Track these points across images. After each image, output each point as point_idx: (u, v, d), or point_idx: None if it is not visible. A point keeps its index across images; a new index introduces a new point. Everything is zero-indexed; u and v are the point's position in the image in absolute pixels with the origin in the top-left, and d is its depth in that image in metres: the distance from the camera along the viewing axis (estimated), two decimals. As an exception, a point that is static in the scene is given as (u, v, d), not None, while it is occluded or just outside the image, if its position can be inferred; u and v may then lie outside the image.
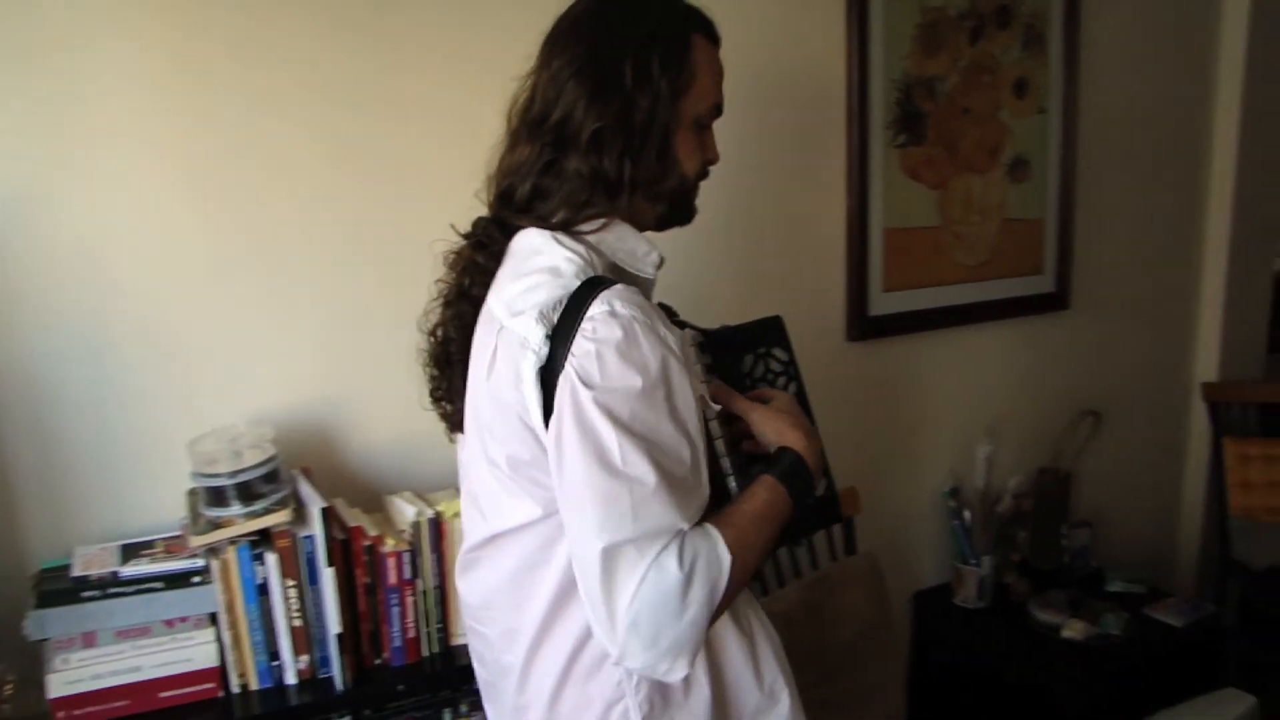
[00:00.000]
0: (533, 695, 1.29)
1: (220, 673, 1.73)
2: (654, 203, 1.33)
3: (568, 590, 1.22)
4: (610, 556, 1.08)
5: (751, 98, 2.36)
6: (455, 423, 1.39)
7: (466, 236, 1.36)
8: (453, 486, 2.04)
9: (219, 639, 1.72)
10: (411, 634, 1.87)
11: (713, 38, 1.36)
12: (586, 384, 1.10)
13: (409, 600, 1.85)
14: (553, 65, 1.28)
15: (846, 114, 2.55)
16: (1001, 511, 2.80)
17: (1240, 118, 3.36)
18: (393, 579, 1.83)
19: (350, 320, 2.01)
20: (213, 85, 1.84)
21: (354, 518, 1.87)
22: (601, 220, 1.27)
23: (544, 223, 1.27)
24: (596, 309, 1.14)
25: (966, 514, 2.78)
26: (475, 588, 1.37)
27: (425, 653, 1.89)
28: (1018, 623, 2.74)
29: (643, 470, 1.10)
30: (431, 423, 2.04)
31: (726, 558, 1.14)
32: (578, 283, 1.18)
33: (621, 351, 1.12)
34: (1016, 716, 2.61)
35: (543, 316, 1.16)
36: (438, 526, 1.87)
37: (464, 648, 1.90)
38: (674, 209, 1.36)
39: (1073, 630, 2.64)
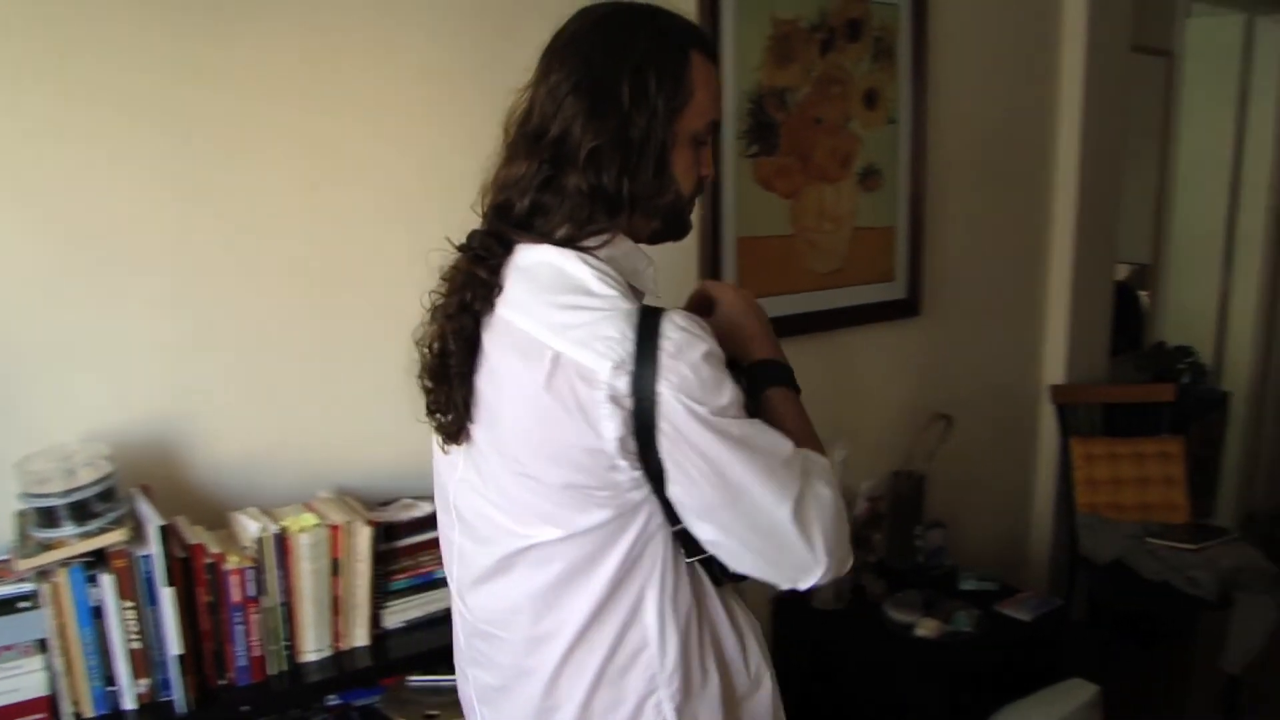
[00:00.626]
0: (564, 696, 1.32)
1: (50, 702, 1.66)
2: (650, 219, 1.34)
3: (608, 597, 1.28)
4: (798, 514, 1.22)
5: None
6: (451, 434, 1.36)
7: (462, 249, 1.34)
8: (300, 501, 2.01)
9: (49, 666, 1.65)
10: (257, 653, 1.82)
11: (711, 55, 1.36)
12: (699, 401, 1.18)
13: (254, 618, 1.81)
14: (551, 79, 1.29)
15: (699, 124, 2.57)
16: (856, 514, 2.86)
17: (1081, 131, 3.51)
18: (236, 597, 1.79)
19: (194, 331, 1.95)
20: (37, 77, 1.76)
21: (196, 535, 1.81)
22: (605, 236, 1.29)
23: (547, 238, 1.28)
24: (671, 331, 1.19)
25: (823, 517, 2.82)
26: (502, 595, 1.36)
27: (272, 671, 1.85)
28: (874, 623, 2.80)
29: (769, 439, 1.24)
30: (275, 438, 2.03)
31: (825, 460, 1.31)
32: (625, 304, 1.21)
33: (710, 362, 1.20)
34: (873, 716, 2.66)
35: (610, 349, 1.18)
36: (283, 542, 1.83)
37: (312, 664, 1.88)
38: (668, 225, 1.38)
39: (925, 629, 2.70)
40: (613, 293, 1.23)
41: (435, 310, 1.34)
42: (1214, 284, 5.01)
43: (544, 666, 1.32)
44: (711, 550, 1.28)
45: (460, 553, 1.42)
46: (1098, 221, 3.64)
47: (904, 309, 3.13)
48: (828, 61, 2.82)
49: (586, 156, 1.25)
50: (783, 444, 1.24)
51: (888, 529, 3.06)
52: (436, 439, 1.41)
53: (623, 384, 1.17)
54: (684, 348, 1.18)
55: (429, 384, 1.37)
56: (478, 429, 1.32)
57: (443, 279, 1.36)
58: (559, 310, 1.22)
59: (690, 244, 2.60)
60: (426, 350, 1.36)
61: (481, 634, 1.42)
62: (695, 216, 2.53)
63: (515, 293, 1.27)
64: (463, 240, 1.35)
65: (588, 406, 1.18)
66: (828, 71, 2.82)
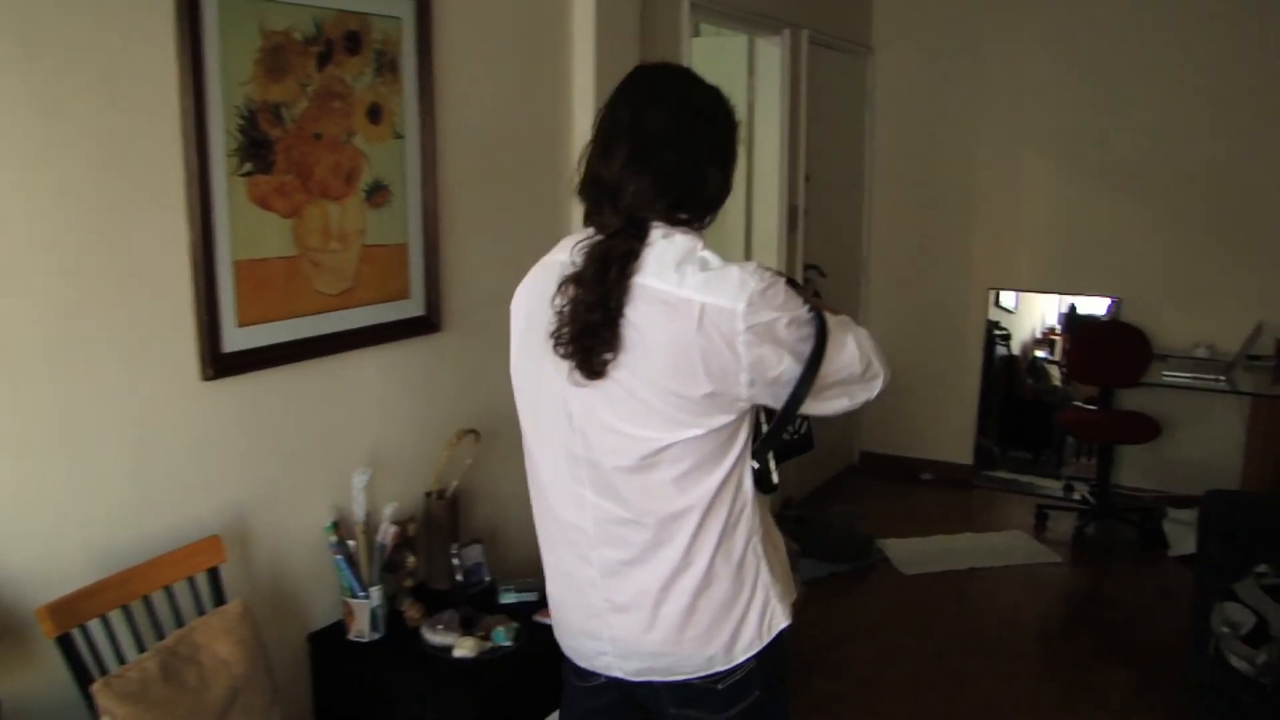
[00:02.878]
0: (698, 552, 1.75)
1: None
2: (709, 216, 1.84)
3: (729, 475, 1.73)
4: (860, 349, 1.78)
5: (64, 131, 2.17)
6: (599, 371, 1.68)
7: (616, 234, 1.69)
8: None
9: None
10: None
11: None
12: (793, 315, 1.67)
13: None
14: (654, 106, 1.73)
15: (183, 143, 2.39)
16: (382, 540, 2.78)
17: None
18: None
19: None
20: None
21: None
22: (699, 223, 1.79)
23: (678, 224, 1.73)
24: (767, 275, 1.67)
25: (352, 545, 2.73)
26: (643, 487, 1.73)
27: None
28: (413, 650, 2.73)
29: (833, 321, 1.75)
30: None
31: (846, 317, 1.83)
32: (734, 265, 1.68)
33: (789, 289, 1.70)
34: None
35: (739, 294, 1.62)
36: None
37: None
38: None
39: (464, 648, 2.67)
40: (721, 262, 1.68)
41: (587, 280, 1.68)
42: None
43: (681, 534, 1.74)
44: (824, 410, 1.80)
45: (590, 462, 1.76)
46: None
47: (423, 326, 3.08)
48: (326, 75, 2.72)
49: (717, 166, 1.77)
50: (839, 321, 1.76)
51: (423, 551, 3.00)
52: (559, 375, 1.73)
53: (751, 316, 1.62)
54: (773, 284, 1.65)
55: (590, 333, 1.67)
56: (616, 367, 1.67)
57: (597, 256, 1.69)
58: (695, 274, 1.65)
59: (180, 271, 2.42)
60: (580, 308, 1.67)
61: (619, 520, 1.77)
62: (184, 242, 2.40)
63: (655, 265, 1.67)
64: (592, 227, 1.76)
65: (730, 338, 1.62)
66: (327, 85, 2.72)
